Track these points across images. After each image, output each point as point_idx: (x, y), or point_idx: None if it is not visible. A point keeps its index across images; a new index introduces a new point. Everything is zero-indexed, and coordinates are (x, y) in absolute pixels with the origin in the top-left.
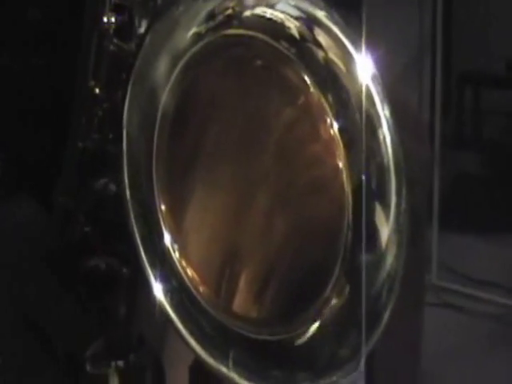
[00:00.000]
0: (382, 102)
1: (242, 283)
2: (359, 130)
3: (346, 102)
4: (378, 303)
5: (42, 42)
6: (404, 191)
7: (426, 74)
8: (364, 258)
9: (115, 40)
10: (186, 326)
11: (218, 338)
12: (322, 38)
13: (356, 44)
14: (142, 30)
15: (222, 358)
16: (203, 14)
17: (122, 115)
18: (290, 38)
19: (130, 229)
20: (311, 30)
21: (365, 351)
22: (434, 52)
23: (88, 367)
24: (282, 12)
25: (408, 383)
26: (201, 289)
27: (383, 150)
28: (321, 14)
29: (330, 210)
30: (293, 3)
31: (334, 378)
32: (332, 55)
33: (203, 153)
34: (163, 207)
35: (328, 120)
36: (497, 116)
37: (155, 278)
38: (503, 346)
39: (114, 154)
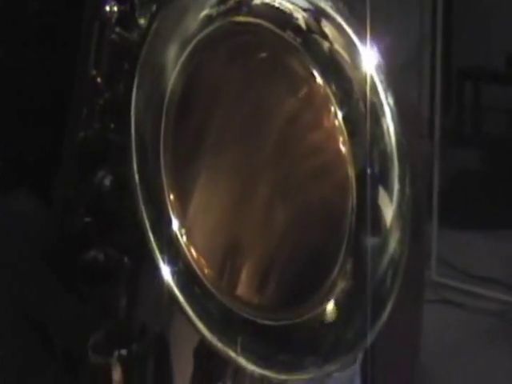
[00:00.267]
0: (385, 91)
1: (247, 269)
2: (363, 118)
3: (349, 92)
4: (383, 288)
5: (41, 33)
6: (407, 179)
7: (426, 70)
8: (372, 241)
9: (117, 29)
10: (194, 310)
11: (225, 322)
12: (328, 29)
13: (361, 35)
14: (143, 19)
15: (230, 342)
16: None
17: (126, 105)
18: (296, 28)
19: (139, 214)
20: (318, 22)
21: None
22: (434, 48)
23: (90, 356)
24: (291, 3)
25: (407, 378)
26: (206, 272)
27: (386, 138)
28: (328, 6)
29: (333, 196)
30: None
31: (339, 364)
32: (337, 46)
33: (208, 139)
34: (170, 193)
35: (332, 109)
36: (497, 112)
37: (163, 261)
38: (503, 342)
39: (116, 143)
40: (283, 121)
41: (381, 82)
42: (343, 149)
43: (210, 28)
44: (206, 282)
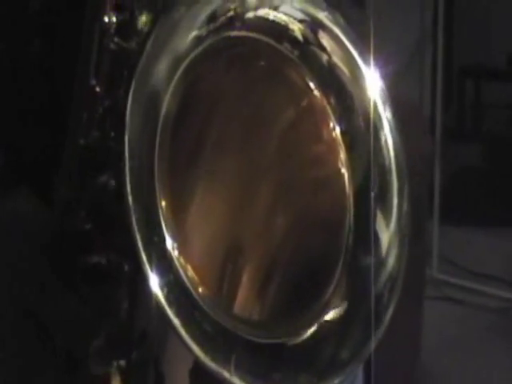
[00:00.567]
0: (383, 103)
1: (243, 283)
2: (361, 132)
3: (348, 106)
4: (380, 304)
5: (43, 32)
6: (406, 192)
7: (427, 68)
8: (368, 260)
9: (116, 39)
10: (187, 330)
11: (219, 340)
12: (325, 41)
13: (360, 48)
14: (143, 28)
15: (224, 361)
16: (204, 16)
17: (123, 115)
18: (293, 40)
19: (131, 228)
20: (315, 33)
21: (372, 348)
22: (435, 45)
23: (89, 367)
24: (286, 14)
25: (408, 376)
26: (200, 289)
27: (385, 151)
28: (324, 17)
29: (331, 212)
30: (297, 6)
31: (336, 381)
32: (336, 59)
33: (205, 151)
34: (164, 206)
35: (331, 123)
36: (498, 109)
37: (152, 272)
38: (503, 338)
39: (115, 151)
40: (281, 131)
41: (380, 95)
42: (341, 163)
43: (203, 46)
44: (199, 301)
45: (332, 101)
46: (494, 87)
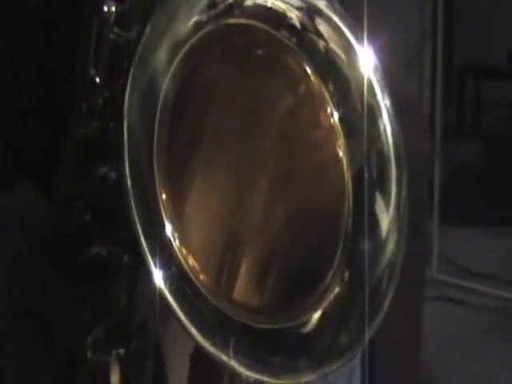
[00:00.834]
0: (382, 91)
1: (243, 270)
2: (359, 119)
3: (346, 92)
4: (379, 290)
5: (42, 28)
6: (404, 180)
7: (427, 66)
8: (366, 245)
9: (115, 29)
10: (186, 315)
11: (219, 326)
12: (322, 27)
13: (357, 34)
14: (141, 18)
15: (223, 346)
16: (204, 2)
17: (123, 105)
18: (290, 27)
19: (131, 218)
20: (312, 20)
21: (367, 337)
22: (435, 43)
23: (89, 355)
24: (284, 2)
25: (408, 376)
26: (201, 277)
27: (383, 139)
28: (322, 4)
29: (330, 198)
30: None
31: (334, 367)
32: (333, 45)
33: (203, 140)
34: (164, 196)
35: (328, 109)
36: (498, 108)
37: (155, 266)
38: (503, 338)
39: (115, 142)
40: (280, 119)
41: (378, 82)
42: (340, 149)
43: (202, 32)
44: (200, 287)
45: (330, 87)
46: (493, 85)
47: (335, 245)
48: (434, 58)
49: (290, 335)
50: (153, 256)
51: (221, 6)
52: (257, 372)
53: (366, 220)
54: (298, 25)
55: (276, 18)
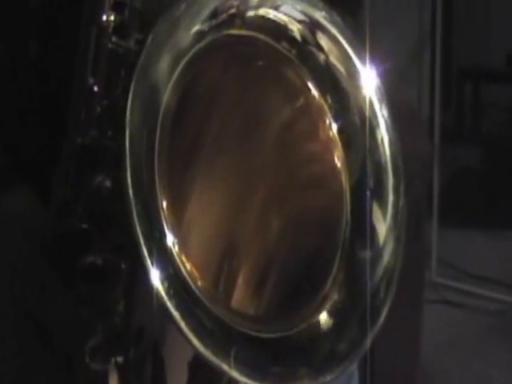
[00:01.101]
0: (379, 102)
1: (241, 279)
2: (357, 130)
3: (345, 104)
4: (377, 298)
5: (43, 29)
6: (402, 189)
7: (426, 69)
8: (366, 254)
9: (114, 38)
10: (187, 324)
11: (219, 334)
12: (323, 41)
13: (356, 48)
14: (141, 28)
15: (223, 355)
16: (206, 12)
17: (122, 113)
18: (291, 39)
19: (132, 226)
20: (313, 34)
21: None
22: (434, 46)
23: (87, 363)
24: (286, 14)
25: (407, 379)
26: (199, 284)
27: (381, 149)
28: (322, 17)
29: (328, 207)
30: (298, 7)
31: (334, 375)
32: (333, 58)
33: (203, 148)
34: (165, 203)
35: (327, 121)
36: (497, 111)
37: (153, 267)
38: (502, 341)
39: (112, 150)
40: (279, 129)
41: (376, 93)
42: (338, 160)
43: (204, 42)
44: (199, 295)
45: (328, 99)
46: (492, 88)
47: (333, 253)
48: (433, 60)
49: (290, 344)
50: (153, 262)
51: (222, 16)
52: (257, 381)
53: (367, 229)
54: (298, 37)
55: (277, 29)
